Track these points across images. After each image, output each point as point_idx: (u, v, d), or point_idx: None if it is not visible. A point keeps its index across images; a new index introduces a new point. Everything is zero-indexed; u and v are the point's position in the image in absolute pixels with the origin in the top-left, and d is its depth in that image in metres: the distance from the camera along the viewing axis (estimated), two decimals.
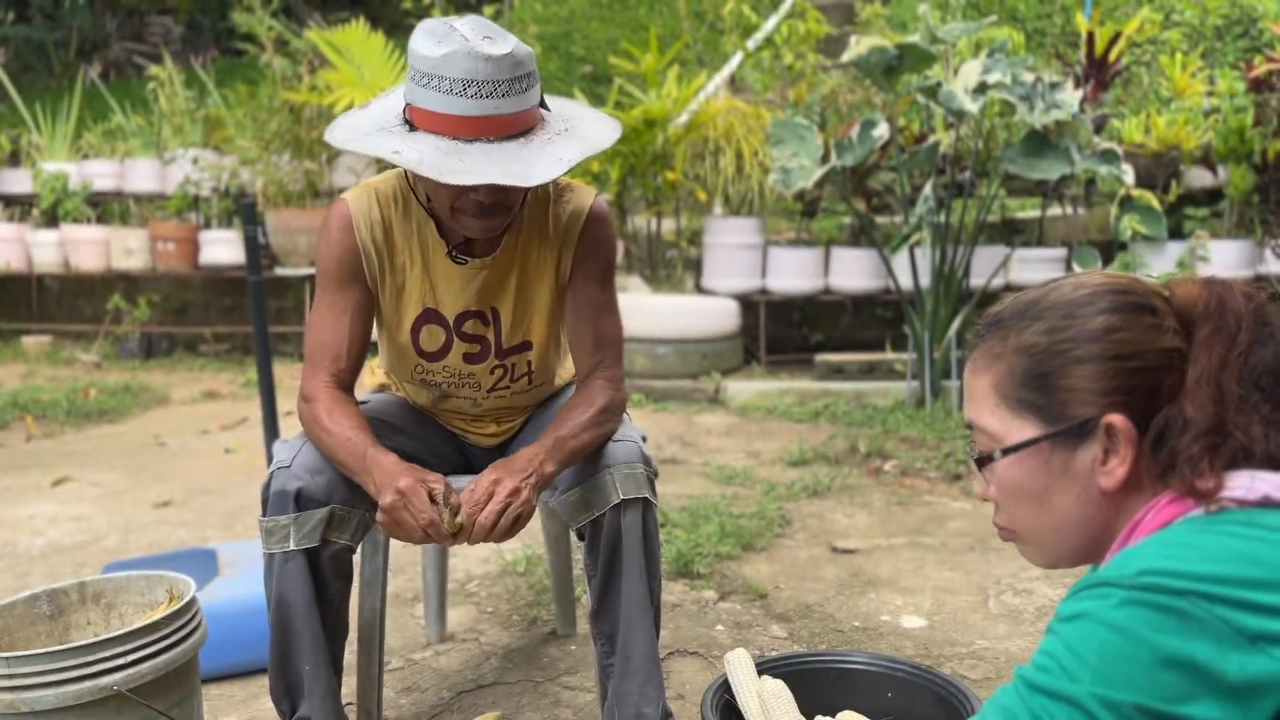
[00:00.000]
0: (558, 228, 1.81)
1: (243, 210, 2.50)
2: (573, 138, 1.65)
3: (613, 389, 1.83)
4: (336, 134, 1.66)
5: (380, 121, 1.65)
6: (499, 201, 1.65)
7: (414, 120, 1.60)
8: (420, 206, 1.78)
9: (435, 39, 1.55)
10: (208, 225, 6.83)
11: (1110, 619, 0.82)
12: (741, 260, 5.73)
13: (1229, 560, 0.82)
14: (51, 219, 7.12)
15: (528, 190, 1.75)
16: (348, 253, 1.77)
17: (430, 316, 1.83)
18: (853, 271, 5.63)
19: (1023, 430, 0.98)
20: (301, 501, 1.70)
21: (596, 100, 7.03)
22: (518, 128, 1.60)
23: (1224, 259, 5.21)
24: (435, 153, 1.56)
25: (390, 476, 1.61)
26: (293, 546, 1.70)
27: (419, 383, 1.92)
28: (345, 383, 1.79)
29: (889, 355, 5.50)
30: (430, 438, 1.98)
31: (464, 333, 1.84)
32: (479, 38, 1.55)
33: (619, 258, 6.34)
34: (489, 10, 7.56)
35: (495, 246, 1.79)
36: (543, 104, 1.68)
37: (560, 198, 1.83)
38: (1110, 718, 0.80)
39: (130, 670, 1.58)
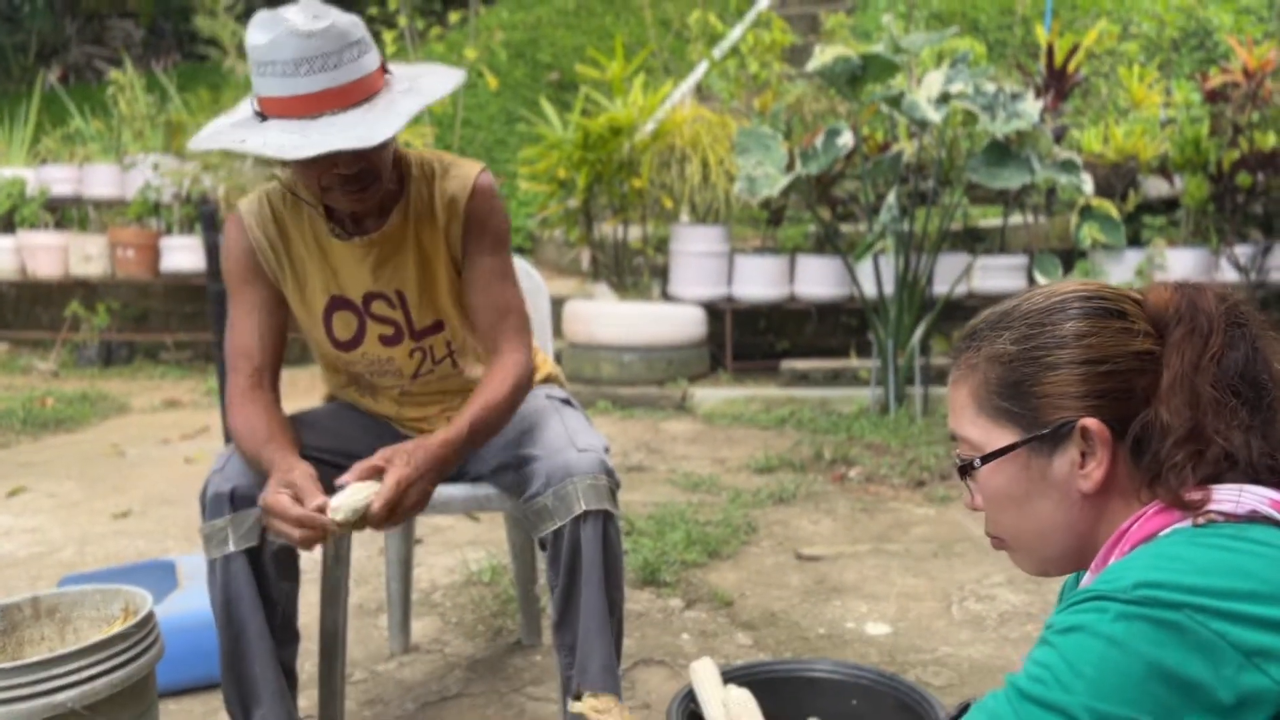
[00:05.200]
0: (444, 204, 1.83)
1: (203, 217, 2.47)
2: (413, 94, 1.68)
3: (521, 359, 1.83)
4: (198, 136, 1.70)
5: (236, 117, 1.69)
6: (361, 171, 1.67)
7: (263, 110, 1.63)
8: (310, 195, 1.80)
9: (263, 28, 1.59)
10: (169, 231, 6.72)
11: (1107, 632, 0.82)
12: (708, 268, 5.74)
13: (1220, 573, 0.83)
14: (8, 225, 6.99)
15: (390, 154, 1.75)
16: (244, 253, 1.81)
17: (338, 304, 1.85)
18: (818, 279, 5.66)
19: (1001, 438, 0.99)
20: (236, 501, 1.71)
21: (563, 107, 7.03)
22: (358, 96, 1.62)
23: (1180, 267, 5.30)
24: (280, 134, 1.59)
25: (278, 473, 1.63)
26: (232, 548, 1.71)
27: (346, 378, 1.95)
28: (263, 382, 1.81)
29: (853, 362, 5.53)
30: (377, 440, 1.96)
31: (374, 314, 1.86)
32: (303, 17, 1.58)
33: (586, 264, 6.34)
34: (454, 16, 7.54)
35: (383, 222, 1.81)
36: (386, 70, 1.71)
37: (445, 174, 1.84)
38: None
39: (85, 687, 1.55)
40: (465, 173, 1.84)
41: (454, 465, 1.70)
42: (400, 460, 1.62)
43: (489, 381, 1.79)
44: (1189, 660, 0.80)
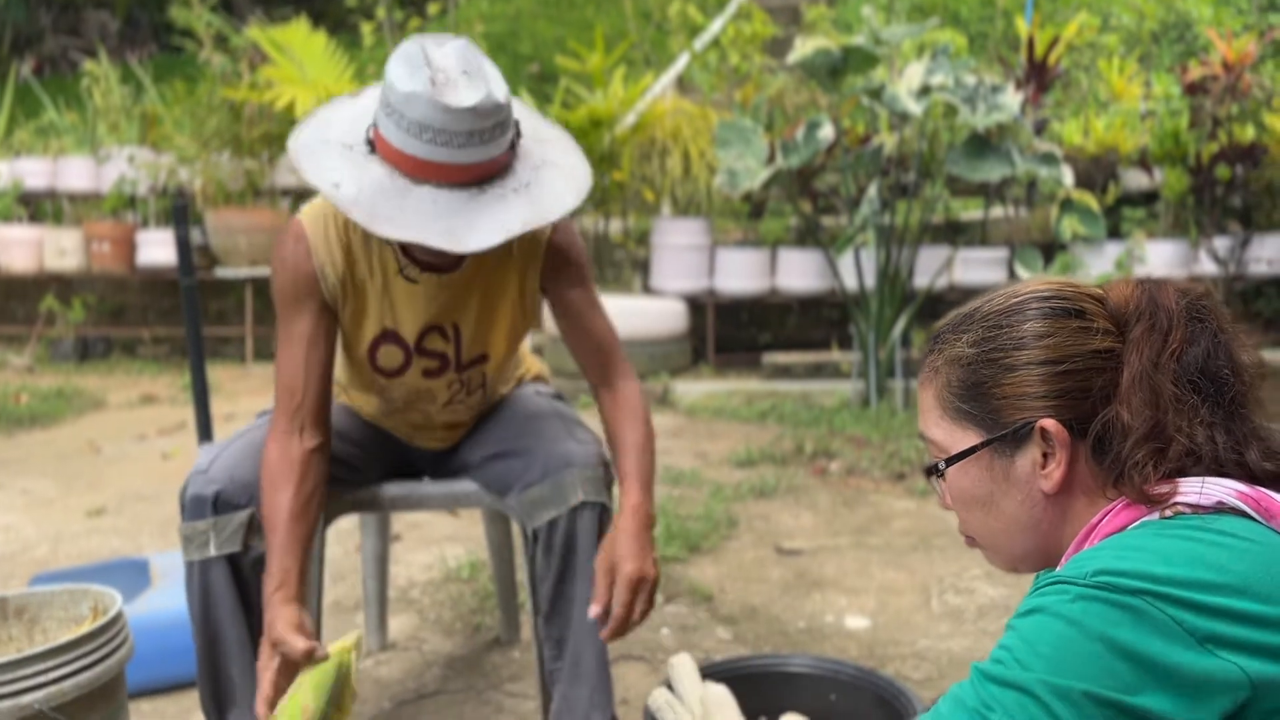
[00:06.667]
0: (521, 242, 1.76)
1: (175, 211, 2.43)
2: (528, 197, 1.59)
3: (637, 388, 1.86)
4: (301, 133, 1.61)
5: (348, 132, 1.60)
6: (444, 253, 1.61)
7: (375, 143, 1.56)
8: None
9: (408, 70, 1.50)
10: (145, 225, 6.67)
11: (1065, 612, 0.83)
12: (689, 261, 5.74)
13: (1182, 562, 0.83)
14: None
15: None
16: (303, 276, 1.69)
17: (388, 338, 1.78)
18: (799, 272, 5.66)
19: (965, 439, 0.99)
20: (219, 506, 1.67)
21: (543, 100, 7.00)
22: (473, 175, 1.54)
23: (1160, 259, 5.33)
24: (376, 192, 1.52)
25: (269, 628, 1.57)
26: (213, 553, 1.67)
27: (375, 393, 1.90)
28: (305, 422, 1.70)
29: (835, 355, 5.53)
30: (365, 440, 1.94)
31: (424, 349, 1.80)
32: (454, 74, 1.49)
33: None
34: (434, 8, 7.49)
35: (459, 264, 1.74)
36: (516, 144, 1.61)
37: None
38: (1059, 704, 0.80)
39: (52, 688, 1.52)
40: None
41: (654, 522, 1.73)
42: (625, 558, 1.64)
43: (626, 428, 1.79)
44: (1146, 639, 0.80)
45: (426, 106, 1.47)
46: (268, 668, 1.55)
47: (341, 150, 1.57)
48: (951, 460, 1.00)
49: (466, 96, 1.48)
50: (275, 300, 1.73)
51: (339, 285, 1.71)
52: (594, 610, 1.62)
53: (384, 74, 1.54)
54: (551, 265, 1.80)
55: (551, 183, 1.64)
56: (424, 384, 1.84)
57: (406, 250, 1.71)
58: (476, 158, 1.53)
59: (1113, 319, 0.96)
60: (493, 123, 1.51)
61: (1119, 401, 0.93)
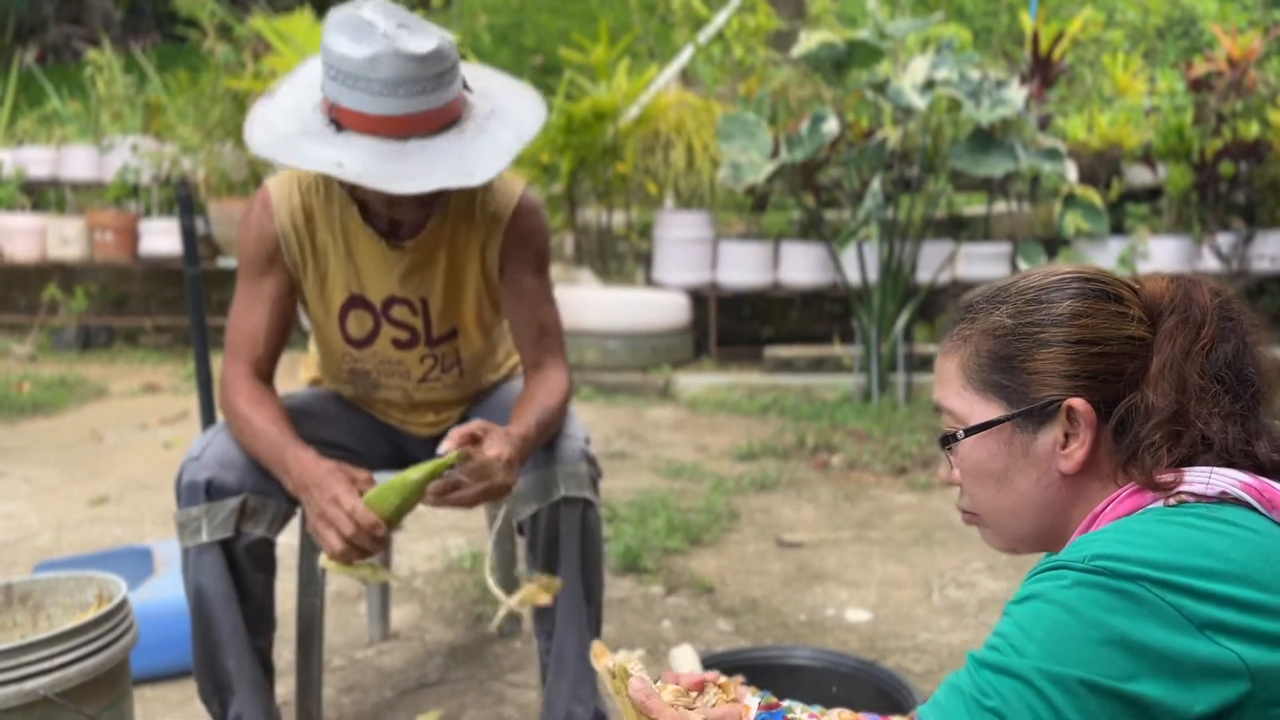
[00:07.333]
0: (485, 215, 1.80)
1: (180, 200, 2.43)
2: (502, 121, 1.66)
3: (565, 376, 1.85)
4: (256, 137, 1.62)
5: (303, 123, 1.61)
6: (437, 194, 1.65)
7: (341, 120, 1.57)
8: (344, 191, 1.75)
9: (353, 37, 1.52)
10: (148, 214, 6.66)
11: (1060, 598, 0.83)
12: (692, 254, 5.73)
13: (1183, 549, 0.83)
14: None
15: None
16: (266, 239, 1.76)
17: (356, 302, 1.82)
18: (802, 266, 5.66)
19: (987, 411, 0.99)
20: (212, 492, 1.69)
21: (547, 92, 6.99)
22: (448, 118, 1.60)
23: (1163, 256, 5.32)
24: (375, 159, 1.55)
25: (312, 479, 1.60)
26: (205, 539, 1.68)
27: (349, 373, 1.91)
28: (263, 371, 1.78)
29: (837, 349, 5.53)
30: (360, 429, 1.95)
31: (392, 318, 1.83)
32: (399, 32, 1.53)
33: (569, 250, 6.32)
34: (437, 0, 7.47)
35: (420, 229, 1.77)
36: (466, 86, 1.68)
37: (489, 187, 1.81)
38: (1055, 691, 0.80)
39: (57, 674, 1.53)
40: (510, 189, 1.82)
41: (526, 460, 1.69)
42: (499, 437, 1.60)
43: (540, 391, 1.79)
44: (1143, 627, 0.81)
45: (395, 61, 1.51)
46: (350, 491, 1.57)
47: (309, 139, 1.59)
48: (972, 430, 0.99)
49: (423, 44, 1.54)
50: (239, 262, 1.80)
51: (300, 249, 1.77)
52: (445, 446, 1.58)
53: (323, 50, 1.56)
54: (512, 244, 1.81)
55: (512, 105, 1.71)
56: (395, 354, 1.86)
57: (367, 217, 1.75)
58: (446, 100, 1.59)
59: (1146, 309, 0.98)
60: (450, 62, 1.58)
61: (1148, 385, 0.94)
